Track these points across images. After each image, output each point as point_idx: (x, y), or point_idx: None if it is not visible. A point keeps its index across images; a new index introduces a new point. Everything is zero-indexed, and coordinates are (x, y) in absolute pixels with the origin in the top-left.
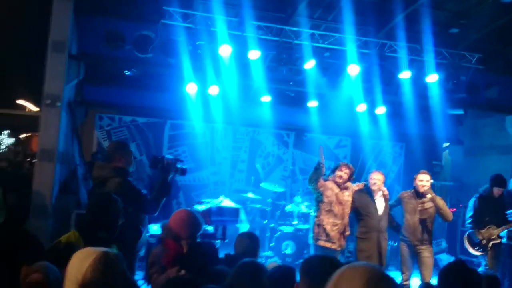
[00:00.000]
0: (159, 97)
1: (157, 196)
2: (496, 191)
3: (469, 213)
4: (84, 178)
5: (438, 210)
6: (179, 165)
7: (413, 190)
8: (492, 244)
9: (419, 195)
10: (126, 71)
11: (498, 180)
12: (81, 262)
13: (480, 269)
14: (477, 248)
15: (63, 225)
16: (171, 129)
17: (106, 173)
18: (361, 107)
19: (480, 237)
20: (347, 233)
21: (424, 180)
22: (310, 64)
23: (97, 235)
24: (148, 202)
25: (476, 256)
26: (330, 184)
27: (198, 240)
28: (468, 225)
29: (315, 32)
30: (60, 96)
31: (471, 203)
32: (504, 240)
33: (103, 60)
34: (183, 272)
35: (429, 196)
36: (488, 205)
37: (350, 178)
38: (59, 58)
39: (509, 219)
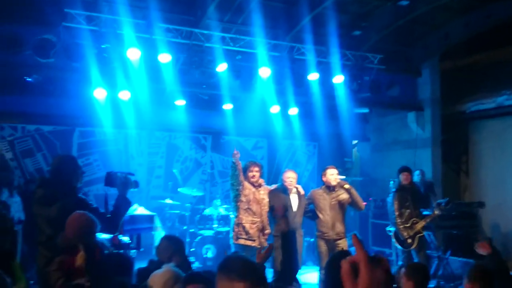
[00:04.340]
0: (65, 103)
1: (117, 213)
2: (403, 177)
3: (391, 209)
4: None
5: (353, 200)
6: (132, 178)
7: (323, 186)
8: (418, 237)
9: (331, 189)
10: (27, 78)
11: (402, 168)
12: None
13: (399, 263)
14: (405, 245)
15: None
16: (80, 137)
17: (53, 192)
18: (275, 109)
19: (406, 234)
20: (267, 231)
21: (334, 174)
22: (222, 67)
23: None
24: (108, 220)
25: (390, 247)
26: (246, 184)
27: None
28: (393, 222)
29: (226, 35)
30: None
31: (389, 199)
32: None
33: (1, 67)
34: (84, 281)
35: (347, 186)
36: (406, 195)
37: (261, 174)
38: None
39: (428, 209)
